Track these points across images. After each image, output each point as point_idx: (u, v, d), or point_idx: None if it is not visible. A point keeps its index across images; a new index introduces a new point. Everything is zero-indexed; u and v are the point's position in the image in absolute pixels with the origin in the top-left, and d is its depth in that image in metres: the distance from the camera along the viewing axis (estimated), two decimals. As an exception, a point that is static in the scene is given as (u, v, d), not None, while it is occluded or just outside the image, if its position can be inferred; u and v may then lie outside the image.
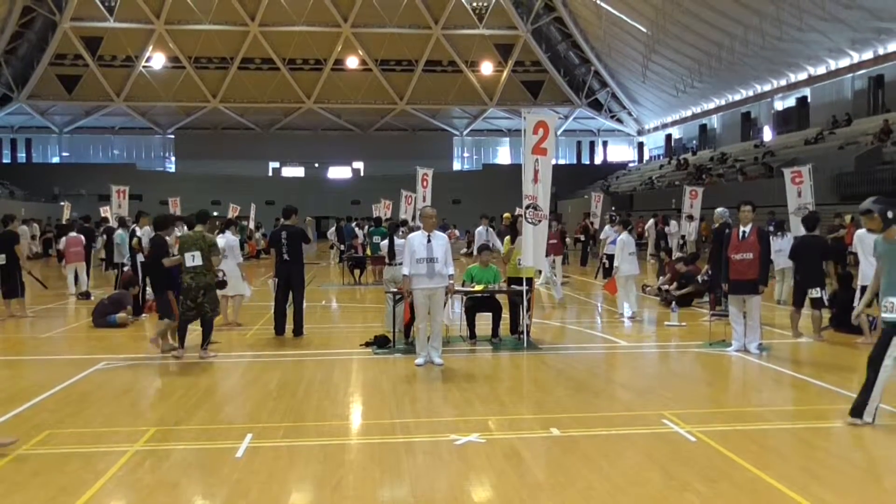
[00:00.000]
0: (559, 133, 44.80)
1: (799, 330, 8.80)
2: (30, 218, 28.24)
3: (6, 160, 45.55)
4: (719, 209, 11.79)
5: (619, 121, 47.28)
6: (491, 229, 16.00)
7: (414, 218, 16.21)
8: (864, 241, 8.30)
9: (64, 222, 18.31)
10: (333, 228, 22.47)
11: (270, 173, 47.59)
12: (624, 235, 10.80)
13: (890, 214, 5.15)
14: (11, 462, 4.52)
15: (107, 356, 7.85)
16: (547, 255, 15.36)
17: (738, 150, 33.46)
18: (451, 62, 43.98)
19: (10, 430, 5.21)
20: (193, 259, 7.61)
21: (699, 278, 12.16)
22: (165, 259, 7.85)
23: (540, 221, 8.41)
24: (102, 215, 21.47)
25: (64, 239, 13.92)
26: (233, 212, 26.87)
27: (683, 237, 21.68)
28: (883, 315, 5.15)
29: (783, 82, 32.52)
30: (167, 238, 12.93)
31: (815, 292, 8.57)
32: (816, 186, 15.53)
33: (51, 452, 4.72)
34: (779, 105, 34.31)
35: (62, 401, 6.02)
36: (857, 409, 5.04)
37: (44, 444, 4.87)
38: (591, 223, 24.26)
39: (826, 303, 8.71)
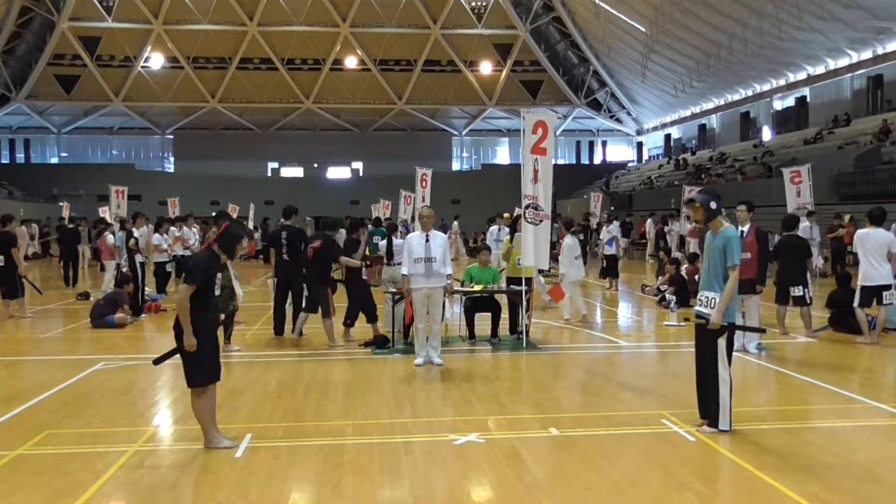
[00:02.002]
0: (558, 133, 44.78)
1: (785, 328, 8.84)
2: (28, 218, 28.25)
3: (5, 160, 45.50)
4: None
5: (619, 120, 47.29)
6: (506, 228, 15.48)
7: (413, 219, 16.18)
8: (864, 241, 8.32)
9: (68, 224, 18.15)
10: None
11: (269, 173, 47.54)
12: (568, 239, 10.30)
13: (713, 205, 5.08)
14: (11, 462, 4.52)
15: (106, 356, 7.86)
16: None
17: (738, 150, 33.48)
18: (450, 62, 43.97)
19: (10, 430, 5.21)
20: None
21: (697, 277, 12.17)
22: (344, 258, 8.20)
23: (541, 221, 8.40)
24: (101, 215, 21.46)
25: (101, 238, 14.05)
26: (232, 212, 26.84)
27: (682, 237, 21.70)
28: (697, 308, 5.09)
29: (782, 82, 32.54)
30: (166, 237, 12.84)
31: (796, 290, 8.63)
32: (815, 186, 15.57)
33: (50, 453, 4.71)
34: (778, 105, 34.32)
35: (61, 401, 6.01)
36: (713, 420, 4.98)
37: (43, 445, 4.87)
38: (591, 223, 24.29)
39: (809, 300, 8.77)
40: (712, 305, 5.01)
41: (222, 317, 7.78)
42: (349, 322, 8.67)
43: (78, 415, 5.59)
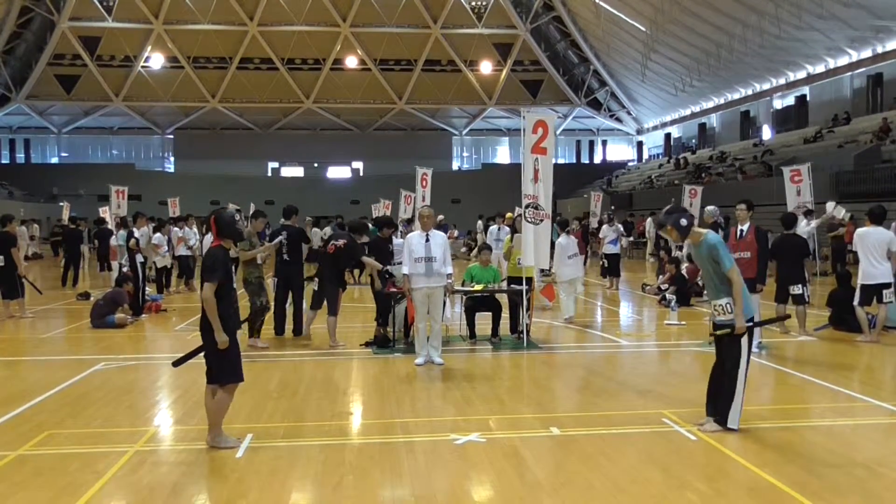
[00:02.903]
0: (558, 132, 44.76)
1: (786, 326, 8.84)
2: (28, 218, 28.24)
3: (5, 160, 45.52)
4: (710, 207, 11.76)
5: (619, 120, 47.28)
6: (507, 228, 15.26)
7: (413, 218, 16.17)
8: (864, 240, 8.32)
9: (70, 224, 18.08)
10: (326, 229, 22.63)
11: (269, 173, 47.55)
12: (562, 238, 10.24)
13: (683, 222, 5.06)
14: (12, 463, 4.52)
15: (106, 357, 7.86)
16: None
17: (738, 149, 33.47)
18: (450, 62, 43.96)
19: (11, 430, 5.22)
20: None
21: (699, 280, 12.17)
22: (366, 259, 8.32)
23: (542, 221, 8.40)
24: (101, 215, 21.47)
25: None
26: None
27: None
28: (716, 319, 5.01)
29: (782, 81, 32.53)
30: (165, 237, 12.82)
31: (795, 289, 8.63)
32: (815, 185, 15.56)
33: (51, 453, 4.72)
34: (778, 104, 34.31)
35: (62, 401, 6.02)
36: (722, 418, 4.97)
37: (44, 445, 4.87)
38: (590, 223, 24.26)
39: (807, 299, 8.78)
40: (729, 311, 4.95)
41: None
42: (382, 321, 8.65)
43: (79, 415, 5.59)
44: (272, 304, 8.50)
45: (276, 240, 8.64)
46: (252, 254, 8.24)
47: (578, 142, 49.25)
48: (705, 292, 11.20)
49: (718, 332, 5.05)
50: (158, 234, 13.17)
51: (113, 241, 13.43)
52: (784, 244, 8.78)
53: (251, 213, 8.82)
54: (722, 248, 4.98)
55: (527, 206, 8.38)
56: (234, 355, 4.75)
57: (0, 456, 4.60)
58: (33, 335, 9.77)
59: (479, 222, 26.85)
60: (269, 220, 10.50)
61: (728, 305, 4.95)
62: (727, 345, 5.02)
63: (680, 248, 20.47)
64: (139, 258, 11.24)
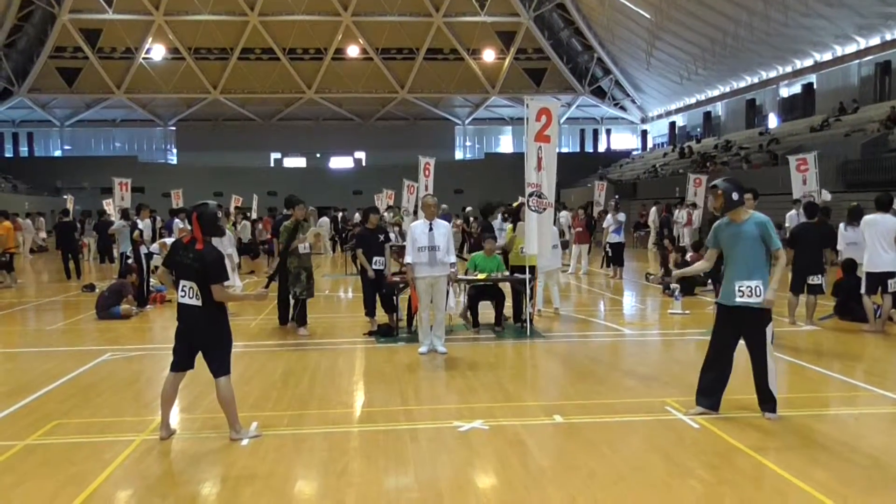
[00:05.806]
0: (562, 121, 44.57)
1: (795, 317, 8.80)
2: (35, 211, 28.33)
3: (8, 154, 45.63)
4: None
5: (623, 108, 47.02)
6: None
7: (416, 209, 16.14)
8: (872, 227, 8.27)
9: (62, 217, 17.98)
10: (327, 219, 22.83)
11: (272, 164, 47.55)
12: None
13: (735, 196, 5.00)
14: (20, 452, 4.56)
15: (112, 347, 7.91)
16: (574, 244, 15.09)
17: (743, 138, 33.25)
18: (453, 50, 43.73)
19: (18, 420, 5.26)
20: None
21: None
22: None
23: (545, 209, 8.38)
24: (104, 207, 21.51)
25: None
26: (235, 203, 26.88)
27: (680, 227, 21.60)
28: (739, 300, 4.97)
29: (789, 69, 32.24)
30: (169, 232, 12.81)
31: (815, 279, 8.56)
32: (822, 174, 15.46)
33: (58, 442, 4.76)
34: (784, 92, 34.03)
35: (69, 392, 6.06)
36: (771, 406, 5.01)
37: (51, 435, 4.91)
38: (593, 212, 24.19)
39: (824, 290, 8.71)
40: (758, 293, 4.92)
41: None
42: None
43: (86, 405, 5.64)
44: (305, 294, 8.53)
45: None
46: (293, 244, 8.35)
47: (582, 130, 49.04)
48: (708, 281, 11.24)
49: (739, 302, 4.91)
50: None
51: (112, 229, 13.46)
52: (806, 233, 8.64)
53: (292, 201, 8.85)
54: (773, 226, 4.99)
55: (530, 195, 8.36)
56: (231, 347, 4.81)
57: (8, 446, 4.64)
58: (40, 326, 9.83)
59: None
60: (273, 211, 10.51)
61: (758, 288, 4.92)
62: (753, 332, 5.00)
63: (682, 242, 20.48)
64: (143, 249, 11.28)
